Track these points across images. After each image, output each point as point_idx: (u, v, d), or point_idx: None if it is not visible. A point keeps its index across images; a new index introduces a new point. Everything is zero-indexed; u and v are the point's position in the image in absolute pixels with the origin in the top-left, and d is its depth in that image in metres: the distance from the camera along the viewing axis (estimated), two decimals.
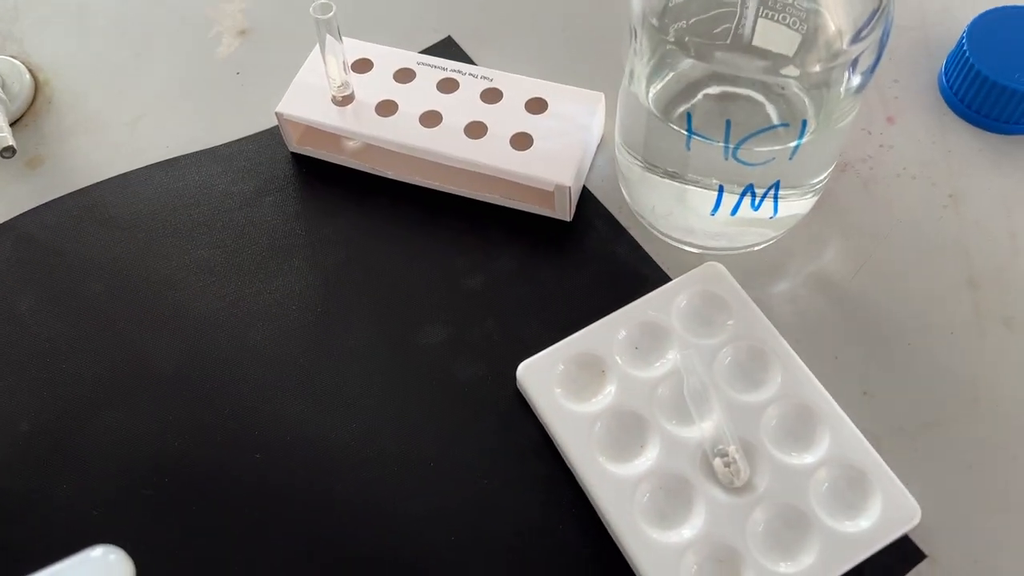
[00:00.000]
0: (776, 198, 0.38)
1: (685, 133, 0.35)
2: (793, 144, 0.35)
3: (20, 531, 0.36)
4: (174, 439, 0.38)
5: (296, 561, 0.36)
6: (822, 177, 0.40)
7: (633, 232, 0.43)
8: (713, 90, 0.38)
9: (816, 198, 0.41)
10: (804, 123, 0.34)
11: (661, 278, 0.42)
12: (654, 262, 0.42)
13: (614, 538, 0.35)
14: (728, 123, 0.34)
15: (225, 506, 0.37)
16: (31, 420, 0.39)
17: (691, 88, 0.38)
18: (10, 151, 0.44)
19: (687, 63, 0.35)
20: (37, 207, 0.45)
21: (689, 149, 0.35)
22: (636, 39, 0.35)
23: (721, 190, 0.37)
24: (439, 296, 0.42)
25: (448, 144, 0.42)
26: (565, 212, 0.43)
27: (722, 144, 0.35)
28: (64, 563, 0.25)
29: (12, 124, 0.48)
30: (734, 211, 0.38)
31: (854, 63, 0.34)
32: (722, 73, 0.36)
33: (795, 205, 0.40)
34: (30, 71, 0.50)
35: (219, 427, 0.38)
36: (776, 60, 0.34)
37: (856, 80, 0.34)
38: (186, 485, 0.37)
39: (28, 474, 0.38)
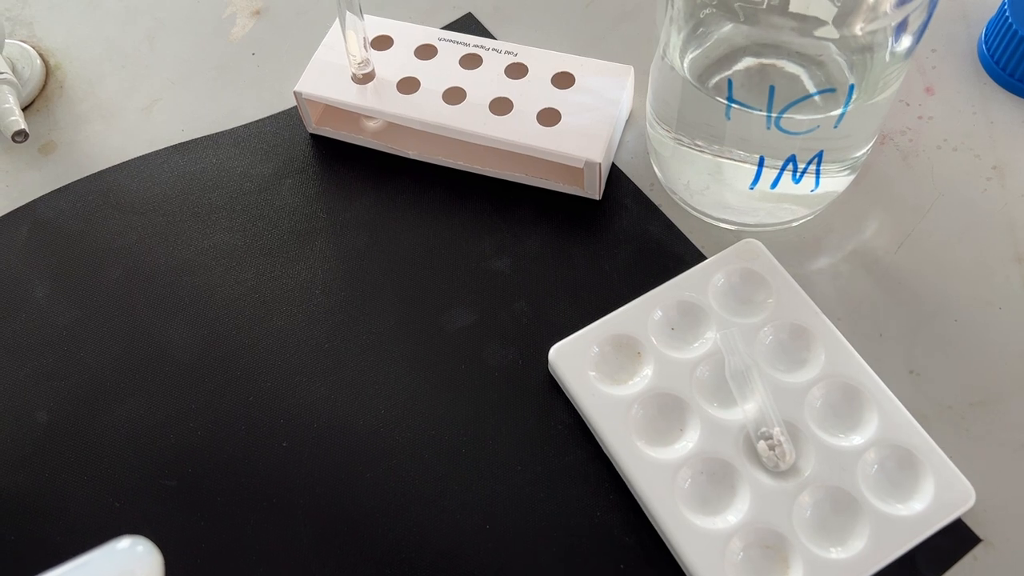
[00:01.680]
0: (819, 170, 0.36)
1: (725, 102, 0.34)
2: (838, 112, 0.33)
3: (41, 524, 0.35)
4: (196, 428, 0.37)
5: (325, 551, 0.34)
6: (864, 150, 0.38)
7: (665, 210, 0.42)
8: (750, 61, 0.36)
9: (854, 176, 0.39)
10: (851, 88, 0.33)
11: (696, 257, 0.40)
12: (688, 240, 0.41)
13: (655, 525, 0.34)
14: (772, 89, 0.32)
15: (251, 496, 0.35)
16: (49, 410, 0.38)
17: (727, 59, 0.36)
18: (23, 135, 0.43)
19: (725, 29, 0.34)
20: (52, 192, 0.44)
21: (729, 118, 0.34)
22: (672, 5, 0.34)
23: (761, 162, 0.36)
24: (466, 279, 0.40)
25: (472, 121, 0.41)
26: (594, 190, 0.41)
27: (764, 113, 0.33)
28: (90, 555, 0.24)
29: (23, 110, 0.47)
30: (774, 184, 0.37)
31: (902, 25, 0.32)
32: (760, 40, 0.35)
33: (834, 182, 0.39)
34: (41, 56, 0.49)
35: (242, 415, 0.37)
36: (815, 24, 0.33)
37: (905, 43, 0.33)
38: (210, 475, 0.36)
39: (48, 466, 0.36)
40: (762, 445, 0.34)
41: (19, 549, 0.35)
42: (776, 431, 0.34)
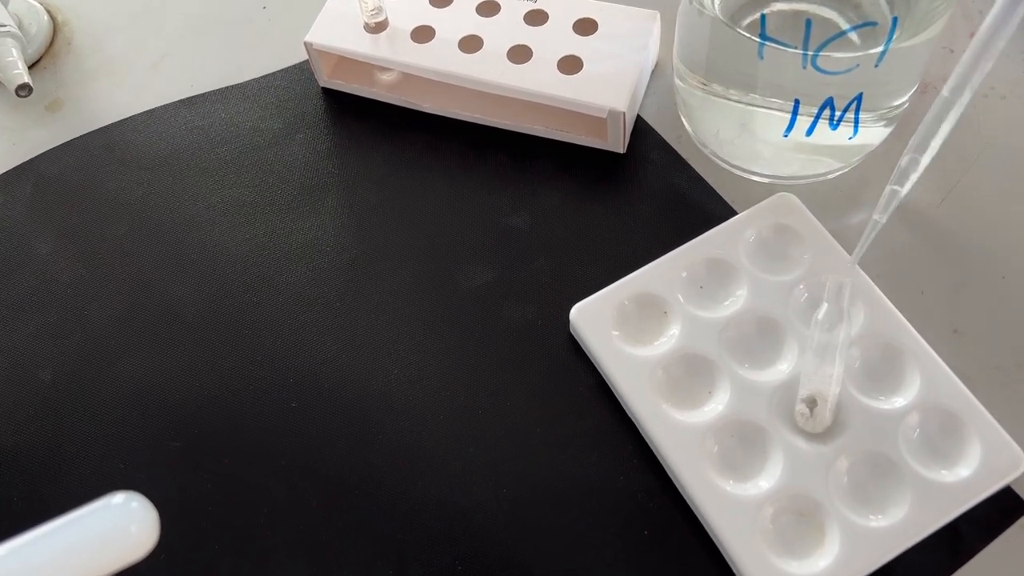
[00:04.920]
0: (857, 117, 0.34)
1: (757, 40, 0.32)
2: (879, 49, 0.31)
3: (44, 485, 0.34)
4: (202, 387, 0.36)
5: (335, 514, 0.33)
6: (904, 99, 0.36)
7: (693, 163, 0.40)
8: (780, 5, 0.34)
9: (891, 128, 0.37)
10: (895, 20, 0.31)
11: (726, 212, 0.38)
12: (718, 195, 0.39)
13: (681, 491, 0.32)
14: (808, 23, 0.30)
15: (259, 458, 0.34)
16: (53, 369, 0.36)
17: (756, 3, 0.34)
18: (26, 89, 0.42)
19: None
20: (57, 147, 0.42)
21: (762, 58, 0.32)
22: None
23: (796, 107, 0.33)
24: (483, 236, 0.39)
25: (490, 70, 0.39)
26: (618, 143, 0.39)
27: (799, 51, 0.31)
28: (83, 509, 0.23)
29: (31, 67, 0.46)
30: (809, 131, 0.35)
31: None
32: None
33: (872, 132, 0.36)
34: (48, 12, 0.48)
35: (251, 375, 0.36)
36: None
37: None
38: (216, 436, 0.35)
39: (51, 426, 0.35)
40: (802, 407, 0.32)
41: (22, 510, 0.34)
42: (833, 392, 0.32)
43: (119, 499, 0.24)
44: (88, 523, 0.23)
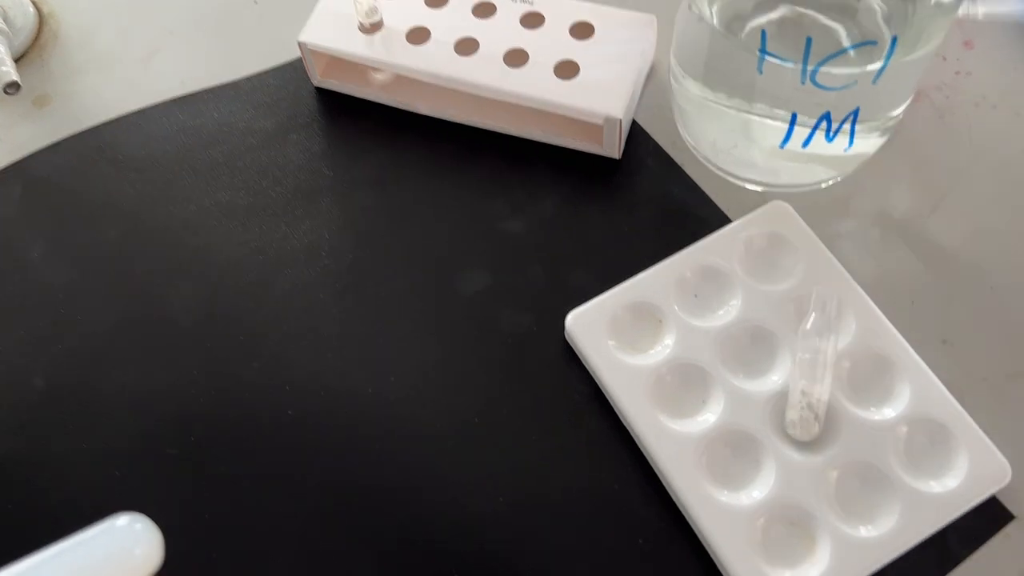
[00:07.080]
0: (853, 129, 0.34)
1: (757, 54, 0.32)
2: (877, 66, 0.31)
3: (40, 494, 0.34)
4: (198, 395, 0.35)
5: (332, 523, 0.33)
6: (901, 109, 0.36)
7: (688, 169, 0.40)
8: (784, 10, 0.34)
9: (886, 137, 0.37)
10: (894, 40, 0.31)
11: (720, 219, 0.38)
12: (712, 202, 0.39)
13: (675, 500, 0.33)
14: (809, 41, 0.30)
15: (255, 466, 0.34)
16: (45, 376, 0.36)
17: (758, 8, 0.34)
18: (14, 87, 0.41)
19: None
20: (46, 148, 0.42)
21: (761, 72, 0.32)
22: None
23: (794, 119, 0.34)
24: (478, 241, 0.39)
25: (485, 74, 0.39)
26: (614, 148, 0.40)
27: (798, 66, 0.31)
28: (87, 533, 0.23)
29: (16, 60, 0.45)
30: (806, 143, 0.35)
31: None
32: None
33: (867, 142, 0.36)
34: (33, 3, 0.47)
35: (247, 382, 0.36)
36: None
37: None
38: (213, 444, 0.35)
39: (45, 434, 0.35)
40: (793, 413, 0.33)
41: (17, 519, 0.33)
42: (822, 400, 0.32)
43: (123, 521, 0.24)
44: (92, 546, 0.23)
